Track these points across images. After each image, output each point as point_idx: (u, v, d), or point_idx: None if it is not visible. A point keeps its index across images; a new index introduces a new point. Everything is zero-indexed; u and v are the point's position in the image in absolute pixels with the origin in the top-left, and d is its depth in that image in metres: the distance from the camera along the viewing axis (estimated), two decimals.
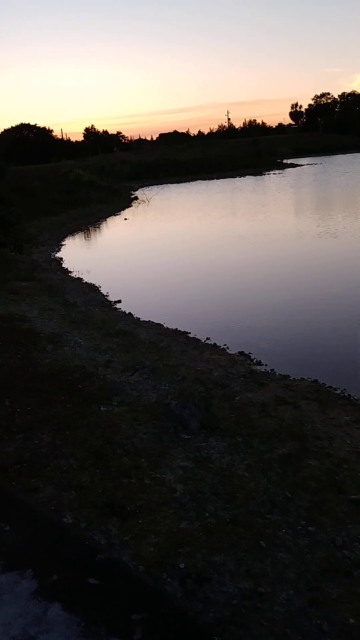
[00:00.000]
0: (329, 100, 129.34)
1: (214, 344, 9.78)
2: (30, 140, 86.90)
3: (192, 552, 4.04)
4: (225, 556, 4.03)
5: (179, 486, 4.91)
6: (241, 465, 5.35)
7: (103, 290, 14.43)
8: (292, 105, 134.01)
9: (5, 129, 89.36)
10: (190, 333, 10.42)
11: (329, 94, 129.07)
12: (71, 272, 17.05)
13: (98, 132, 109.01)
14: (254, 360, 8.88)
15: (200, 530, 4.30)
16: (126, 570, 3.56)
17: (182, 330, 10.56)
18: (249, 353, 9.19)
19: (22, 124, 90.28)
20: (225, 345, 9.67)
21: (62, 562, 3.54)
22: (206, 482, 5.00)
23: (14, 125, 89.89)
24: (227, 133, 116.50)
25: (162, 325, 10.98)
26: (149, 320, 11.28)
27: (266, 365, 8.67)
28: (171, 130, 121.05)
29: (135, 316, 11.72)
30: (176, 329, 10.66)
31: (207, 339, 10.06)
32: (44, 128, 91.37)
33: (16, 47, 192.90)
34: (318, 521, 4.50)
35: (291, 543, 4.23)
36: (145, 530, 4.24)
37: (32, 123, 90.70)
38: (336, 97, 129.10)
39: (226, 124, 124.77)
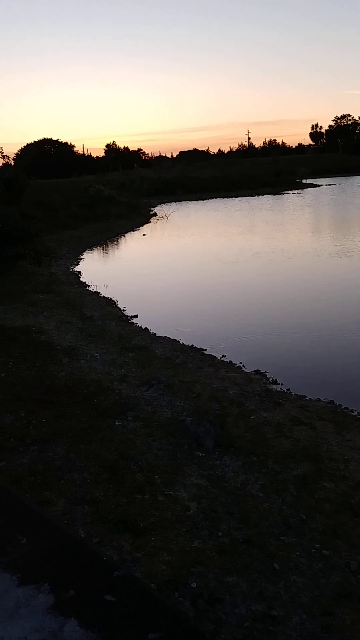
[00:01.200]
0: (350, 122, 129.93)
1: (230, 361, 9.76)
2: (52, 154, 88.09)
3: (204, 572, 4.00)
4: (238, 577, 3.99)
5: (192, 504, 4.88)
6: (255, 485, 5.30)
7: (120, 305, 14.50)
8: (312, 126, 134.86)
9: (28, 143, 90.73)
10: (206, 350, 10.41)
11: (349, 115, 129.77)
12: (89, 285, 17.16)
13: (119, 148, 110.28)
14: (270, 379, 8.83)
15: (213, 550, 4.25)
16: (143, 588, 3.53)
17: (198, 347, 10.56)
18: (265, 372, 9.15)
19: (44, 138, 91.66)
20: (241, 363, 9.64)
21: (79, 578, 3.52)
22: (220, 501, 4.96)
23: (36, 140, 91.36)
24: (246, 152, 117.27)
25: (178, 341, 10.98)
26: (165, 336, 11.29)
27: (282, 384, 8.62)
28: (191, 148, 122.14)
29: (151, 331, 11.75)
30: (192, 345, 10.66)
31: (223, 356, 10.04)
32: (66, 143, 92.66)
33: (44, 66, 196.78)
34: (333, 545, 4.44)
35: (305, 566, 4.17)
36: (157, 547, 4.21)
37: (54, 138, 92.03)
38: (357, 118, 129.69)
39: (246, 143, 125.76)
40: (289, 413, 7.30)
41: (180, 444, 6.02)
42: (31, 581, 3.42)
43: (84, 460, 5.48)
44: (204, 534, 4.45)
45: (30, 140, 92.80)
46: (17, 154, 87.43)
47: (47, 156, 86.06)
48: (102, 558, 3.76)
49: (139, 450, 5.78)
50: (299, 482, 5.40)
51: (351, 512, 4.93)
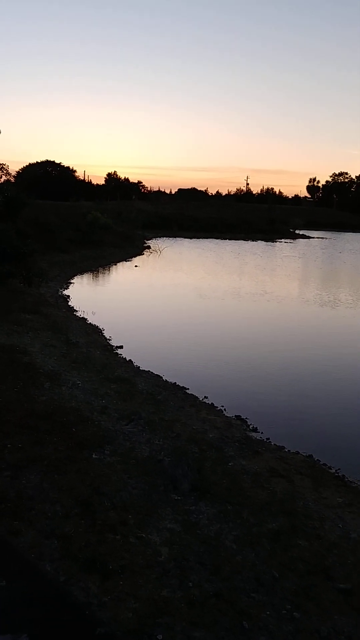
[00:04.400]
0: (346, 180, 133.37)
1: (212, 403, 9.68)
2: (53, 177, 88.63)
3: (171, 624, 3.86)
4: (205, 632, 3.85)
5: (164, 549, 4.75)
6: (229, 535, 5.19)
7: (106, 334, 14.41)
8: (310, 179, 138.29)
9: (30, 163, 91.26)
10: (188, 389, 10.33)
11: (346, 173, 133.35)
12: (76, 310, 17.09)
13: (119, 178, 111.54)
14: (250, 426, 8.77)
15: (182, 601, 4.12)
16: None
17: (181, 385, 10.48)
18: (246, 418, 9.09)
19: (47, 160, 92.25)
20: (222, 406, 9.57)
21: (60, 631, 3.37)
22: (192, 549, 4.83)
23: (39, 161, 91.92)
24: (244, 197, 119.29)
25: (162, 377, 10.89)
26: (149, 370, 11.20)
27: (262, 432, 8.56)
28: (190, 187, 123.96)
29: (135, 364, 11.66)
30: (175, 383, 10.58)
31: (205, 397, 9.97)
32: (68, 167, 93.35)
33: (56, 91, 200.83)
34: (304, 607, 4.33)
35: (274, 627, 4.04)
36: (125, 593, 4.07)
37: (57, 161, 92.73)
38: (353, 177, 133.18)
39: (244, 189, 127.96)
40: (267, 463, 7.22)
41: (156, 484, 5.89)
42: (10, 629, 3.27)
43: (57, 492, 5.33)
44: (173, 583, 4.31)
45: (33, 161, 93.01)
46: (18, 172, 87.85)
47: (48, 178, 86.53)
48: (85, 612, 3.62)
49: (114, 487, 5.64)
50: (273, 536, 5.30)
51: (324, 575, 4.83)
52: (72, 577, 4.12)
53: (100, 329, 14.88)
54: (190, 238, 54.82)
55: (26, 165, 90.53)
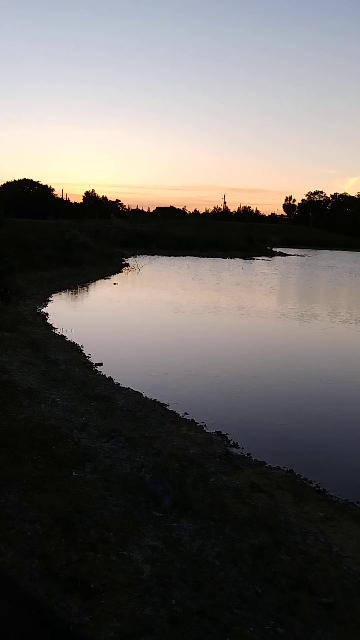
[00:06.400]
0: (322, 198, 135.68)
1: (192, 420, 9.66)
2: (30, 195, 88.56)
3: None
4: None
5: (146, 567, 4.69)
6: (212, 551, 5.15)
7: (85, 351, 14.32)
8: (287, 198, 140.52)
9: (7, 182, 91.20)
10: (168, 405, 10.30)
11: (322, 192, 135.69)
12: (55, 328, 16.96)
13: (98, 197, 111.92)
14: (231, 442, 8.76)
15: (165, 619, 4.07)
16: None
17: (161, 402, 10.44)
18: (226, 434, 9.08)
19: (24, 179, 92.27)
20: (202, 422, 9.56)
21: None
22: (174, 566, 4.78)
23: (16, 179, 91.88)
24: (221, 215, 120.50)
25: (142, 394, 10.85)
26: (129, 387, 11.15)
27: (243, 448, 8.56)
28: (168, 205, 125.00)
29: (115, 381, 11.59)
30: (155, 399, 10.54)
31: (185, 413, 9.94)
32: (45, 186, 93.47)
33: (33, 110, 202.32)
34: (287, 622, 4.31)
35: None
36: (107, 612, 4.00)
37: (34, 179, 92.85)
38: (328, 196, 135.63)
39: (222, 207, 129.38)
40: (248, 479, 7.21)
41: (137, 502, 5.84)
42: None
43: (37, 511, 5.25)
44: (156, 601, 4.26)
45: (10, 179, 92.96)
46: None
47: (26, 196, 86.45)
48: (69, 628, 3.53)
49: (94, 505, 5.58)
50: (255, 552, 5.28)
51: (307, 589, 4.82)
52: (53, 597, 4.05)
53: (79, 346, 14.78)
54: (169, 256, 55.01)
55: (3, 184, 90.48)
